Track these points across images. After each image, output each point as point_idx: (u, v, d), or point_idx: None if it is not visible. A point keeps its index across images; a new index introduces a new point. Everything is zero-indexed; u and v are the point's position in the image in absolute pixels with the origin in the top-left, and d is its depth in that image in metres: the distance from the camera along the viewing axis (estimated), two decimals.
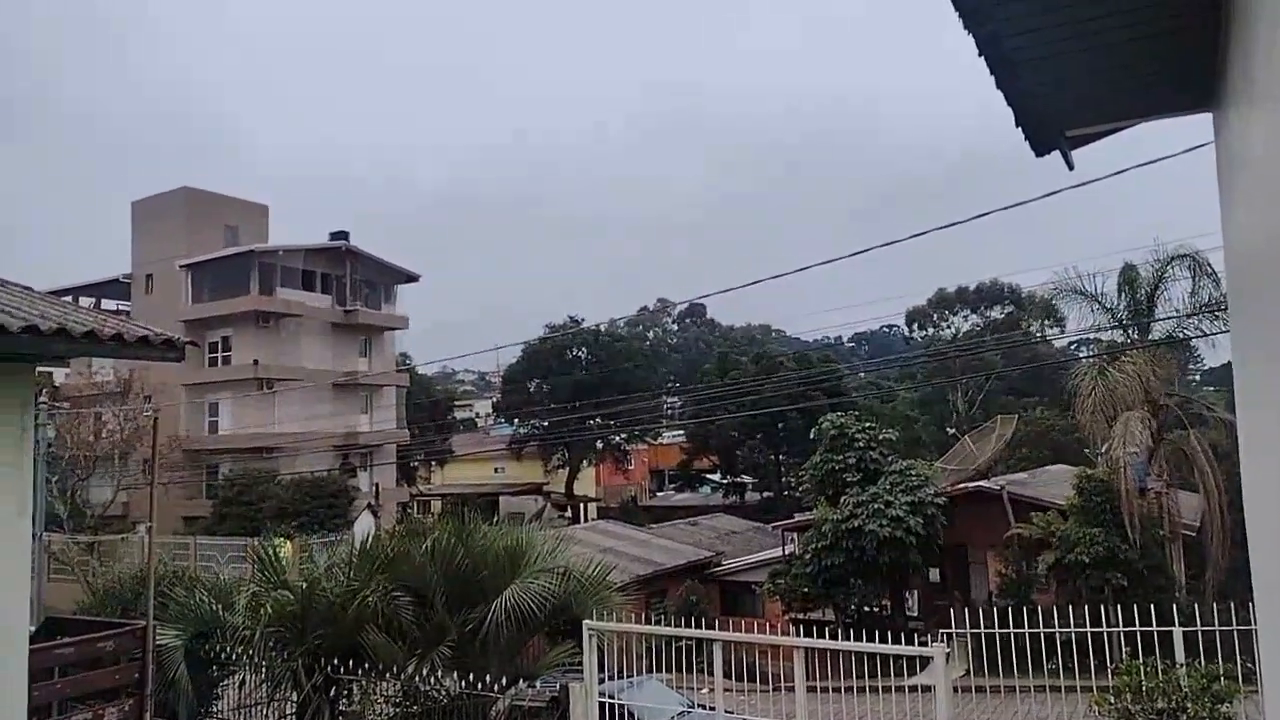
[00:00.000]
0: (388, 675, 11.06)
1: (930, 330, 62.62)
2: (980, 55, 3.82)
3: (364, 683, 11.33)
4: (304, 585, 11.95)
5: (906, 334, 66.35)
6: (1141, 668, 9.84)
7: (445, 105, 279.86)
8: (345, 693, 11.54)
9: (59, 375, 44.53)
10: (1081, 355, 36.81)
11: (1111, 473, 22.62)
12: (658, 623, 16.72)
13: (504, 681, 10.34)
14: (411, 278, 52.99)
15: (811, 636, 10.78)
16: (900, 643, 10.73)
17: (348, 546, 13.61)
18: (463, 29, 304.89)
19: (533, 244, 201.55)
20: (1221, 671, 9.87)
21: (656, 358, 70.17)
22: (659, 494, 65.19)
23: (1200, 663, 10.27)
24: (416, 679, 10.81)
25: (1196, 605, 14.66)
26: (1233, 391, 4.94)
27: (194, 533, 36.35)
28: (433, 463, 59.98)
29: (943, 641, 9.32)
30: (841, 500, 25.78)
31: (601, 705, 10.15)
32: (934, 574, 28.00)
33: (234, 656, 11.95)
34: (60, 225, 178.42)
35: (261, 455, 42.90)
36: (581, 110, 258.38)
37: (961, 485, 27.52)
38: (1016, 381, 52.16)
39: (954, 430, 47.11)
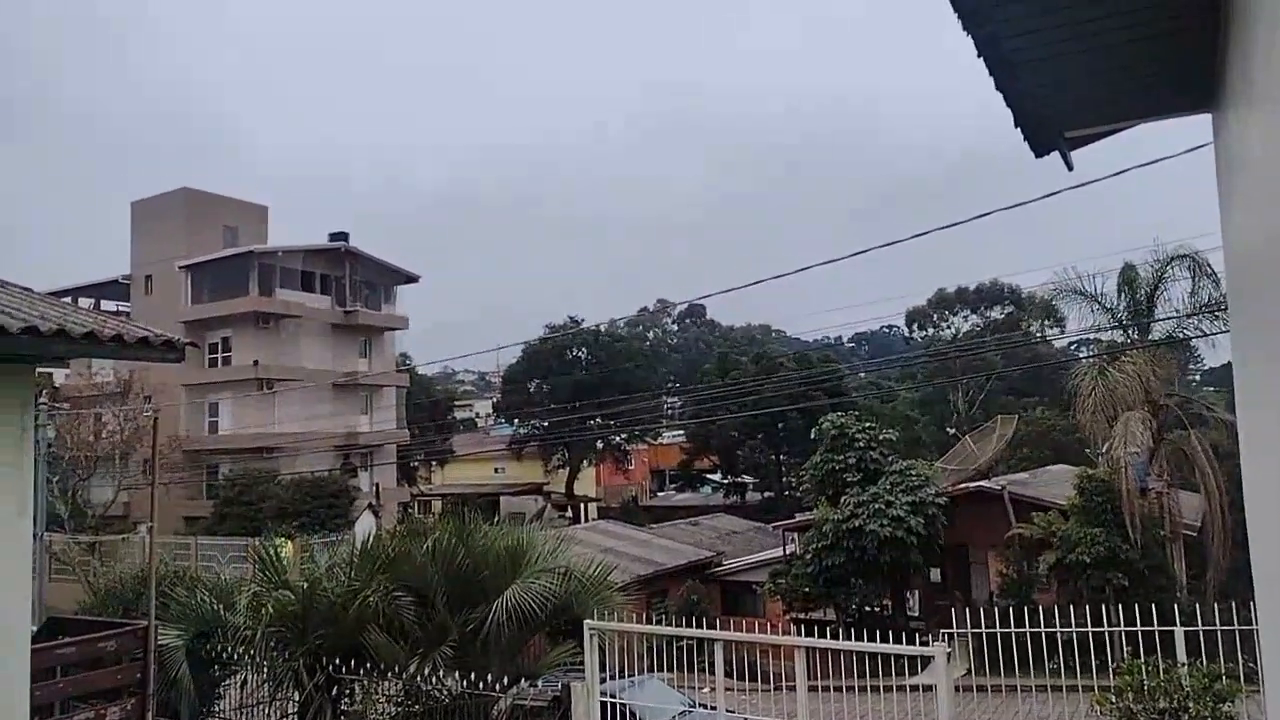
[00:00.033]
0: (389, 675, 11.07)
1: (930, 330, 62.62)
2: (979, 56, 3.83)
3: (365, 682, 11.34)
4: (305, 585, 11.95)
5: (907, 334, 66.34)
6: (1143, 667, 9.83)
7: (445, 105, 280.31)
8: (347, 692, 11.56)
9: (59, 376, 44.42)
10: (1082, 355, 36.80)
11: (1112, 473, 22.63)
12: (659, 622, 16.71)
13: (505, 681, 10.36)
14: (411, 278, 53.00)
15: (813, 636, 10.77)
16: (901, 642, 10.73)
17: (349, 546, 13.61)
18: (463, 29, 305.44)
19: (533, 244, 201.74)
20: (1223, 671, 9.87)
21: (657, 358, 70.19)
22: (659, 494, 65.19)
23: (1202, 662, 10.27)
24: (418, 678, 10.82)
25: (1198, 605, 14.68)
26: (1233, 391, 4.95)
27: (195, 533, 36.38)
28: (433, 463, 59.99)
29: (944, 641, 9.32)
30: (842, 500, 25.78)
31: (603, 705, 10.16)
32: (935, 574, 28.01)
33: (235, 656, 11.96)
34: (60, 225, 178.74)
35: (262, 455, 42.92)
36: (581, 110, 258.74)
37: (962, 485, 27.52)
38: (1017, 381, 52.17)
39: (954, 430, 47.10)
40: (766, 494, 53.00)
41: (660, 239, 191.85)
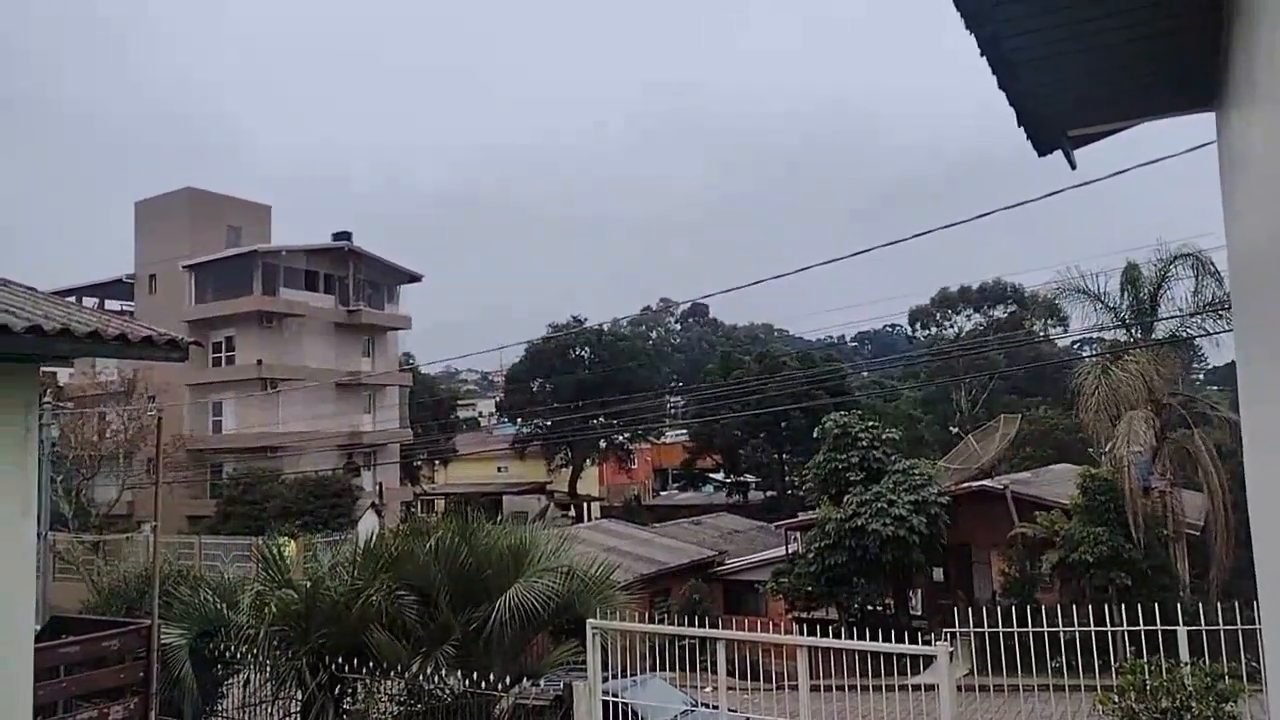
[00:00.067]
0: (392, 674, 11.08)
1: (933, 329, 62.56)
2: (981, 56, 3.83)
3: (368, 681, 11.35)
4: (308, 584, 11.96)
5: (909, 333, 66.27)
6: (1146, 667, 9.82)
7: (445, 105, 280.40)
8: (350, 691, 11.57)
9: (63, 375, 44.52)
10: (1085, 354, 36.76)
11: (1115, 472, 22.59)
12: (661, 622, 16.73)
13: (508, 680, 10.36)
14: (414, 278, 53.03)
15: (815, 635, 10.76)
16: (904, 642, 10.72)
17: (352, 545, 13.61)
18: (463, 29, 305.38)
19: (533, 244, 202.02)
20: (1226, 670, 9.85)
21: (659, 357, 70.26)
22: (662, 493, 65.22)
23: (1205, 662, 10.25)
24: (421, 678, 10.83)
25: (1201, 604, 14.63)
26: (1236, 390, 4.94)
27: (198, 532, 36.45)
28: (436, 462, 60.06)
29: (946, 640, 9.30)
30: (845, 499, 25.76)
31: (605, 704, 10.15)
32: (937, 573, 27.99)
33: (239, 655, 11.97)
34: (61, 225, 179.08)
35: (265, 455, 42.99)
36: (581, 110, 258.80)
37: (965, 484, 27.50)
38: (1020, 381, 52.13)
39: (957, 429, 47.05)
40: (769, 493, 53.00)
41: (660, 239, 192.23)
